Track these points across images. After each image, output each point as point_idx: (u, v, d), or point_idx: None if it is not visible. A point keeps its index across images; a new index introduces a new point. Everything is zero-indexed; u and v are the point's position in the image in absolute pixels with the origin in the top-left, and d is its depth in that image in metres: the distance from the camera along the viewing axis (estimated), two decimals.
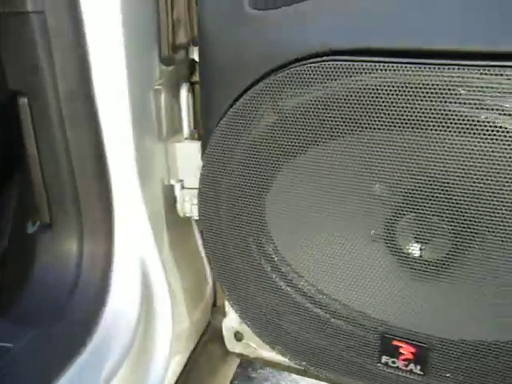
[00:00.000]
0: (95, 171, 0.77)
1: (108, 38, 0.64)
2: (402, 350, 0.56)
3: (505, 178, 0.47)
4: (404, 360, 0.56)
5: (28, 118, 0.76)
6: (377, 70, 0.50)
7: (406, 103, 0.49)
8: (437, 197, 0.51)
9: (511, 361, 0.52)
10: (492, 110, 0.46)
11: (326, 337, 0.59)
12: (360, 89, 0.51)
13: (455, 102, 0.47)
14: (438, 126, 0.48)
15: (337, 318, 0.58)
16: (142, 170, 0.75)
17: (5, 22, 0.67)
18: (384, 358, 0.57)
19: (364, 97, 0.50)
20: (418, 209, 0.52)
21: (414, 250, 0.54)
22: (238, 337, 1.02)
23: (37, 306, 0.82)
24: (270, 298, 0.61)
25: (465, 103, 0.47)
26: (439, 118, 0.48)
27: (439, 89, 0.47)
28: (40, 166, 0.78)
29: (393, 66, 0.49)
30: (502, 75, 0.45)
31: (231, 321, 0.99)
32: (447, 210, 0.51)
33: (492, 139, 0.46)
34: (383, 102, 0.50)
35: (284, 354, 0.64)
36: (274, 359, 1.01)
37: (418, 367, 0.55)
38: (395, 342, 0.55)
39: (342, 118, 0.52)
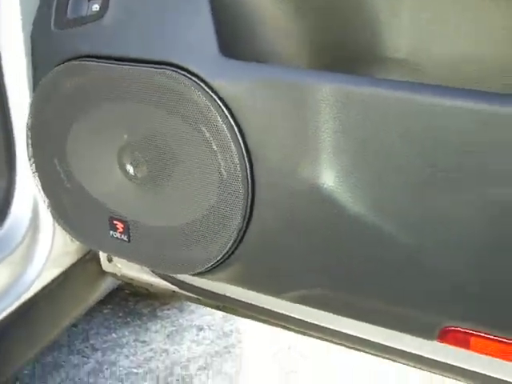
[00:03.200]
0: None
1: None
2: (117, 226, 0.95)
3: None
4: (120, 232, 0.96)
5: None
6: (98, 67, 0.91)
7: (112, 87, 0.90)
8: (142, 145, 0.91)
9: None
10: None
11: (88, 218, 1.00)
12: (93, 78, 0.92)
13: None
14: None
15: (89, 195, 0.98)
16: None
17: None
18: (111, 232, 0.97)
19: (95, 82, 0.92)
20: (132, 147, 0.93)
21: (130, 169, 0.95)
22: (109, 258, 1.42)
23: None
24: (64, 194, 1.02)
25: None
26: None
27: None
28: None
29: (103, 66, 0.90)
30: None
31: None
32: (145, 150, 0.91)
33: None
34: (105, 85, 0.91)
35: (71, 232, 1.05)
36: (134, 276, 1.41)
37: (126, 236, 0.95)
38: (115, 221, 0.95)
39: (89, 96, 0.93)
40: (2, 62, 1.06)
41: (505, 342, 0.72)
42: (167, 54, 0.83)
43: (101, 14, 0.91)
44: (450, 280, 0.71)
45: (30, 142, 1.00)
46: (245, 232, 0.81)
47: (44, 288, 1.27)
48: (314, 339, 1.11)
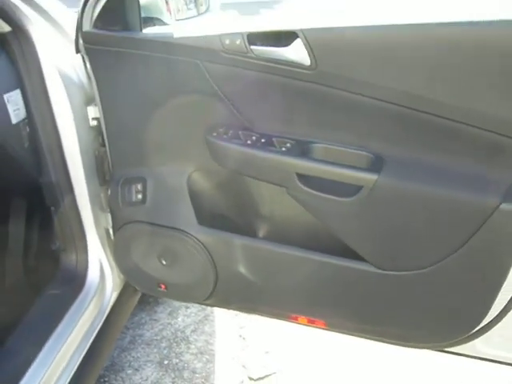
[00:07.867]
0: (77, 223, 2.22)
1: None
2: (162, 286, 2.22)
3: None
4: (163, 289, 2.20)
5: None
6: None
7: None
8: None
9: None
10: None
11: None
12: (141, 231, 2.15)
13: None
14: None
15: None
16: (95, 218, 2.18)
17: None
18: (159, 289, 2.20)
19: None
20: None
21: (163, 262, 2.21)
22: None
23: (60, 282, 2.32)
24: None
25: None
26: None
27: None
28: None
29: (147, 227, 2.14)
30: None
31: None
32: None
33: None
34: None
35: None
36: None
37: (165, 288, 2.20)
38: (160, 284, 2.21)
39: None
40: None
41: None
42: (178, 224, 2.05)
43: (143, 201, 2.09)
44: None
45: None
46: (214, 288, 2.06)
47: (108, 315, 2.25)
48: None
